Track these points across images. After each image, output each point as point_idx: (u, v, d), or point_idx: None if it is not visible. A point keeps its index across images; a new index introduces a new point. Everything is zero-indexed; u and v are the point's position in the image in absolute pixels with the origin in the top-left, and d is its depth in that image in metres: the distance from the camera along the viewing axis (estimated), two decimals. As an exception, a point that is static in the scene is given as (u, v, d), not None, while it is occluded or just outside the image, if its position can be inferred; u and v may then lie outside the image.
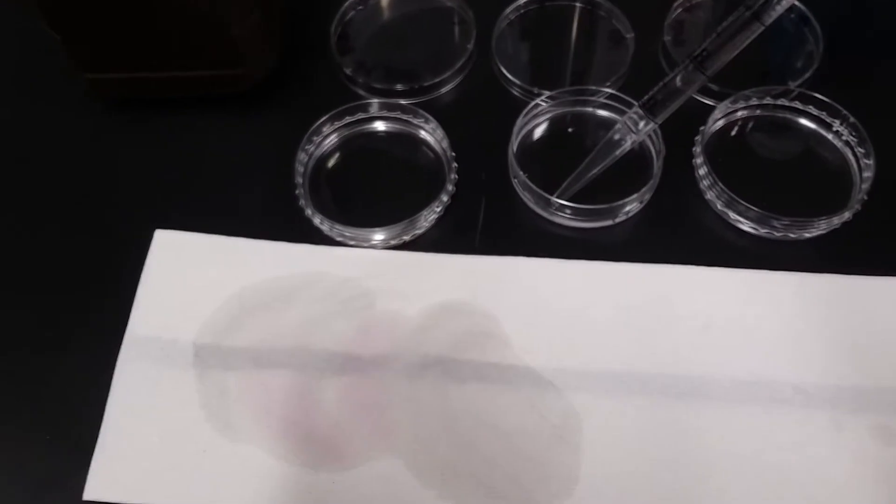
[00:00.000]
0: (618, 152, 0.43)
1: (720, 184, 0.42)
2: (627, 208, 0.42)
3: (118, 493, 0.36)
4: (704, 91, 0.46)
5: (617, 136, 0.43)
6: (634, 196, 0.42)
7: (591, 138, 0.46)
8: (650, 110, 0.42)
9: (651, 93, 0.42)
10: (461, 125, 0.46)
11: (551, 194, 0.42)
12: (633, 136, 0.42)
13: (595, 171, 0.43)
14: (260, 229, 0.43)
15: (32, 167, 0.47)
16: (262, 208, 0.44)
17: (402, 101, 0.46)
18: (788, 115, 0.46)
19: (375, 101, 0.46)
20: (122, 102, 0.48)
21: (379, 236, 0.42)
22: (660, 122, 0.42)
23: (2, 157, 0.47)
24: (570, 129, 0.47)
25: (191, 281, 0.41)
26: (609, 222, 0.43)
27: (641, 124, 0.42)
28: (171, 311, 0.40)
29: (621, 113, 0.46)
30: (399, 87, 0.47)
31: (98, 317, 0.41)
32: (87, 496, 0.36)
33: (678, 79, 0.41)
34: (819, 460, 0.36)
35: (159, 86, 0.46)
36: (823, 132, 0.45)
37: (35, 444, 0.38)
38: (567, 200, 0.42)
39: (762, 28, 0.39)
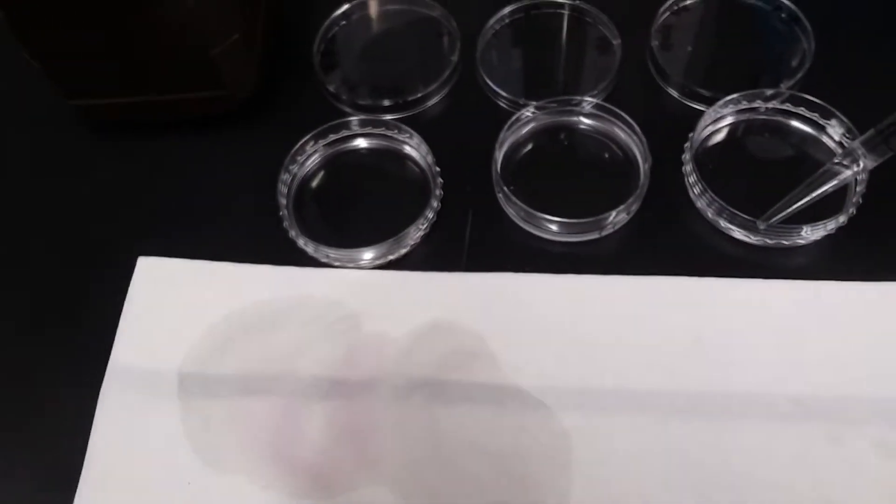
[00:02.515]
0: (836, 181, 0.40)
1: (710, 191, 0.41)
2: (614, 220, 0.42)
3: (102, 527, 0.36)
4: (693, 96, 0.45)
5: (843, 164, 0.40)
6: (621, 207, 0.41)
7: (577, 149, 0.45)
8: (887, 139, 0.38)
9: (892, 118, 0.38)
10: (447, 139, 0.45)
11: (537, 209, 0.41)
12: (863, 162, 0.39)
13: (807, 199, 0.40)
14: (244, 253, 0.42)
15: (14, 191, 0.47)
16: (247, 231, 0.44)
17: (388, 117, 0.46)
18: (780, 118, 0.45)
19: (358, 117, 0.46)
20: (105, 126, 0.48)
21: (364, 256, 0.42)
22: None
23: (-15, 183, 0.47)
24: (558, 141, 0.46)
25: (174, 308, 0.41)
26: (596, 235, 0.42)
27: (870, 155, 0.39)
28: (154, 339, 0.40)
29: (608, 122, 0.45)
30: (384, 102, 0.47)
31: (81, 346, 0.41)
32: (71, 531, 0.36)
33: None
34: (818, 475, 0.35)
35: (142, 109, 0.46)
36: (816, 134, 0.44)
37: (17, 477, 0.38)
38: (769, 225, 0.40)
39: None
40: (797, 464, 0.35)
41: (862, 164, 0.40)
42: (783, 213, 0.40)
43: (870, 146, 0.39)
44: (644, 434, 0.37)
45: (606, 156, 0.45)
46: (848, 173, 0.40)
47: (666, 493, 0.35)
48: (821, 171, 0.41)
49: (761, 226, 0.40)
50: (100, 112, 0.46)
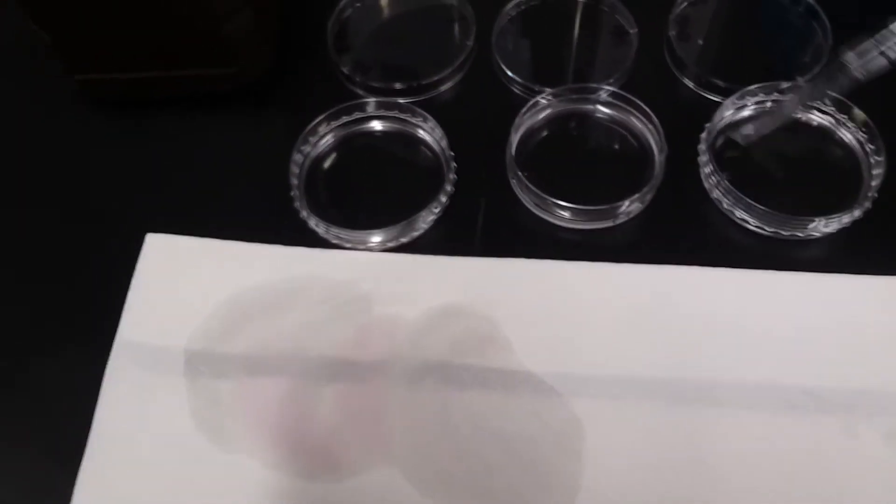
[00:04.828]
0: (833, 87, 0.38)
1: (726, 182, 0.41)
2: (629, 208, 0.41)
3: (107, 504, 0.35)
4: (709, 86, 0.45)
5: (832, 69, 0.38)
6: (636, 196, 0.41)
7: (592, 137, 0.45)
8: (883, 51, 0.36)
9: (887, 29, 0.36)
10: (461, 124, 0.45)
11: (550, 195, 0.41)
12: (857, 74, 0.37)
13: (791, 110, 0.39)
14: (254, 232, 0.42)
15: (22, 170, 0.46)
16: (257, 211, 0.43)
17: (401, 100, 0.45)
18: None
19: (372, 100, 0.45)
20: (113, 103, 0.47)
21: (376, 238, 0.41)
22: None
23: (-8, 160, 0.46)
24: (573, 128, 0.45)
25: (182, 286, 0.40)
26: (610, 223, 0.42)
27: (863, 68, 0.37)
28: (162, 316, 0.40)
29: (624, 111, 0.45)
30: (397, 85, 0.46)
31: (88, 323, 0.40)
32: (75, 508, 0.35)
33: None
34: (832, 467, 0.35)
35: (151, 86, 0.45)
36: (833, 128, 0.44)
37: (21, 455, 0.37)
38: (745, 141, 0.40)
39: None
40: (810, 455, 0.35)
41: (855, 76, 0.38)
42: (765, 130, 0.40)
43: (863, 57, 0.38)
44: (655, 422, 0.36)
45: (621, 145, 0.44)
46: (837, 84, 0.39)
47: (677, 481, 0.35)
48: (826, 65, 0.39)
49: (739, 141, 0.40)
50: (108, 88, 0.45)
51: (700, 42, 0.48)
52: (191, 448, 0.36)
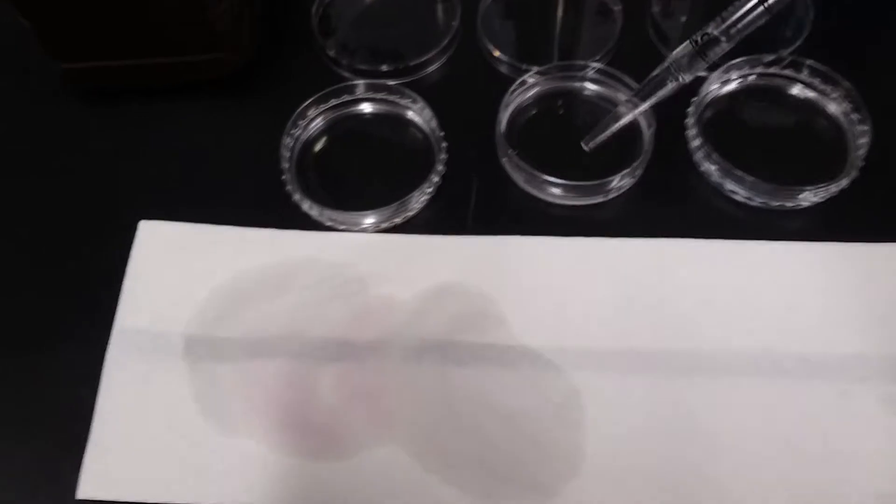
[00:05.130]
0: (660, 93, 0.41)
1: (715, 155, 0.41)
2: (619, 184, 0.42)
3: (112, 490, 0.35)
4: (695, 61, 0.45)
5: (661, 76, 0.41)
6: (626, 171, 0.41)
7: (580, 114, 0.46)
8: (702, 50, 0.39)
9: (702, 31, 0.39)
10: (449, 104, 0.45)
11: (541, 171, 0.41)
12: (681, 77, 0.40)
13: (624, 121, 0.42)
14: (247, 217, 0.42)
15: (10, 161, 0.45)
16: (249, 195, 0.43)
17: (389, 82, 0.45)
18: (781, 83, 0.45)
19: (361, 82, 0.45)
20: (101, 91, 0.47)
21: (369, 220, 0.42)
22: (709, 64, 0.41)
23: (-21, 153, 0.46)
24: (561, 105, 0.46)
25: (178, 272, 0.40)
26: (601, 198, 0.42)
27: (692, 63, 0.40)
28: (159, 303, 0.39)
29: (611, 88, 0.45)
30: (384, 67, 0.46)
31: (85, 312, 0.40)
32: (80, 495, 0.35)
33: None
34: (826, 431, 0.36)
35: (138, 73, 0.45)
36: (817, 99, 0.44)
37: (26, 442, 0.37)
38: (590, 148, 0.42)
39: None
40: (806, 420, 0.36)
41: (680, 80, 0.40)
42: (603, 135, 0.42)
43: (687, 60, 0.40)
44: (653, 391, 0.37)
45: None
46: (665, 90, 0.41)
47: (676, 448, 0.36)
48: (637, 89, 0.41)
49: (585, 148, 0.42)
50: (94, 76, 0.45)
51: (683, 18, 0.48)
52: (194, 432, 0.36)
